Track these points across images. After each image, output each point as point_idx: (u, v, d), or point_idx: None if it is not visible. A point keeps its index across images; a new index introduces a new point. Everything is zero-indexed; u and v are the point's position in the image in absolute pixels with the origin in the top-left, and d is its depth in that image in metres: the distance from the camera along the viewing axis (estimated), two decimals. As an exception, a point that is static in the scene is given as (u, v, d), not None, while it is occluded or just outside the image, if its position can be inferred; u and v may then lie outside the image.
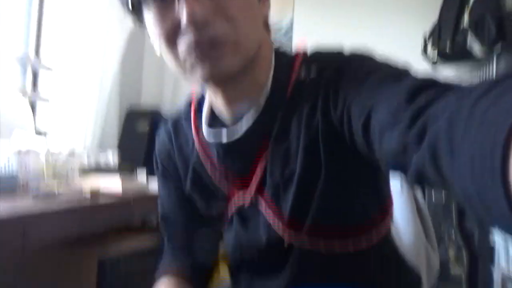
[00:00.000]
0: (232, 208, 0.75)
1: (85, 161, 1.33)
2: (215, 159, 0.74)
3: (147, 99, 2.18)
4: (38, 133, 1.35)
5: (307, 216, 0.68)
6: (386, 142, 0.47)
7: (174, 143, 0.81)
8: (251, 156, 0.70)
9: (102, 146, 1.83)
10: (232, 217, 0.77)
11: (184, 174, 0.80)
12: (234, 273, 0.86)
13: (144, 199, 1.28)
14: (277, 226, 0.69)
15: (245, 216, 0.75)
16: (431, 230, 1.16)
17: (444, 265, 1.75)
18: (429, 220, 1.16)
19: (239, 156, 0.71)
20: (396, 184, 1.18)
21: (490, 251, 1.75)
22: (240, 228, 0.76)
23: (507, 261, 1.72)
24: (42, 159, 1.15)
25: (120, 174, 1.24)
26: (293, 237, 0.68)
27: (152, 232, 1.37)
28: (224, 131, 0.71)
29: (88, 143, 1.71)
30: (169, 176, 0.83)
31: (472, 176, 0.31)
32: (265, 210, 0.70)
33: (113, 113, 1.92)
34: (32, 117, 1.54)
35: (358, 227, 0.71)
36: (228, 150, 0.71)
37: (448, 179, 0.36)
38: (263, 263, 0.76)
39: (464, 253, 1.77)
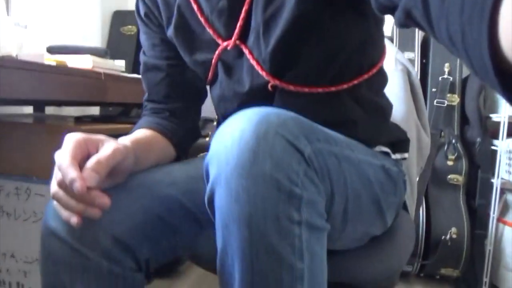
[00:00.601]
0: (216, 55, 0.70)
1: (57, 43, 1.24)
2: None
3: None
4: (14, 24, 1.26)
5: (291, 63, 0.64)
6: None
7: None
8: None
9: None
10: (216, 67, 0.72)
11: (167, 18, 0.74)
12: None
13: (118, 79, 1.20)
14: (260, 72, 0.66)
15: (229, 65, 0.70)
16: (424, 111, 1.08)
17: (443, 172, 1.68)
18: (422, 98, 1.07)
19: None
20: (390, 61, 1.09)
21: (490, 161, 1.67)
22: (224, 77, 0.72)
23: (508, 171, 1.64)
24: (5, 27, 1.06)
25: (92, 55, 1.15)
26: (277, 83, 0.66)
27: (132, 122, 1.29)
28: None
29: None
30: (153, 19, 0.77)
31: (461, 13, 0.31)
32: (249, 55, 0.66)
33: (95, 14, 1.80)
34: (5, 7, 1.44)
35: (343, 78, 0.67)
36: None
37: (433, 19, 0.36)
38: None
39: (464, 161, 1.69)
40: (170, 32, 0.74)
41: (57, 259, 0.56)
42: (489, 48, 0.28)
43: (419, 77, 1.78)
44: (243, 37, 0.66)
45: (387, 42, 1.14)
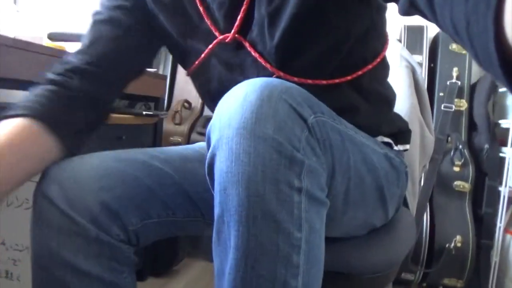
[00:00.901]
0: (210, 48, 0.67)
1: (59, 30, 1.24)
2: None
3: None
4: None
5: (296, 56, 0.63)
6: None
7: None
8: None
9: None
10: (207, 61, 0.69)
11: None
12: None
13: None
14: (265, 65, 0.64)
15: (227, 59, 0.68)
16: (428, 109, 1.05)
17: (448, 179, 1.64)
18: (426, 96, 1.05)
19: None
20: (395, 57, 1.06)
21: (498, 168, 1.63)
22: (223, 72, 0.69)
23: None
24: (8, 14, 1.06)
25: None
26: (281, 75, 0.64)
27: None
28: None
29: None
30: None
31: (466, 1, 0.31)
32: (250, 49, 0.64)
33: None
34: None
35: (347, 69, 0.66)
36: None
37: (437, 7, 0.36)
38: None
39: (471, 168, 1.65)
40: (154, 8, 0.69)
41: (47, 222, 0.56)
42: (495, 38, 0.28)
43: (426, 81, 1.74)
44: (243, 30, 0.64)
45: (392, 39, 1.12)
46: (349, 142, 0.55)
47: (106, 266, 0.58)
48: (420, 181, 1.60)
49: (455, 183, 1.64)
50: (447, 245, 1.56)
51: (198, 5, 0.66)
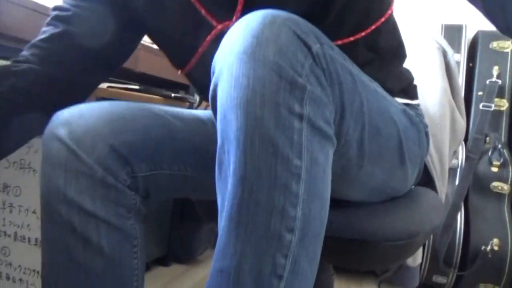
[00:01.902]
0: (208, 41, 0.62)
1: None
2: None
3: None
4: None
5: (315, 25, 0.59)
6: None
7: None
8: None
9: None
10: (205, 53, 0.64)
11: None
12: None
13: (151, 51, 1.23)
14: None
15: None
16: (459, 92, 1.02)
17: (486, 179, 1.56)
18: (458, 79, 1.01)
19: None
20: (426, 39, 1.04)
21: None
22: None
23: None
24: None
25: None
26: None
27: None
28: None
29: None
30: None
31: None
32: None
33: None
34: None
35: (361, 26, 0.62)
36: None
37: None
38: None
39: (511, 169, 1.56)
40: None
41: (54, 160, 0.56)
42: None
43: (465, 81, 1.69)
44: (245, 12, 0.60)
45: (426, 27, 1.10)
46: (362, 87, 0.52)
47: (113, 210, 0.57)
48: (455, 178, 1.54)
49: (493, 184, 1.56)
50: (482, 248, 1.48)
51: None
